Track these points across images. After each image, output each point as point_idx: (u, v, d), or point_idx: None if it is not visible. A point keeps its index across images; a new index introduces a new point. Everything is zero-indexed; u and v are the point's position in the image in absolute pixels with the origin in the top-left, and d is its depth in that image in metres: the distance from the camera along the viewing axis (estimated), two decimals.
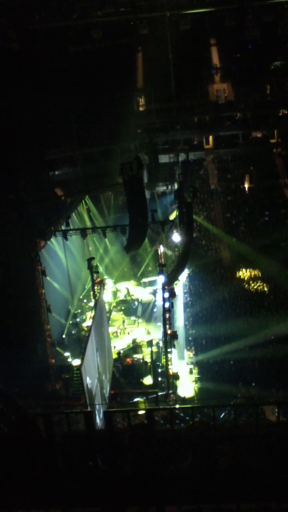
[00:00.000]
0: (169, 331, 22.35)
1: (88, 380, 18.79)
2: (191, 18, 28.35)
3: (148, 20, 28.02)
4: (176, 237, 23.09)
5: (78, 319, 29.99)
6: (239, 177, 39.68)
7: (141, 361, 25.70)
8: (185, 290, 31.98)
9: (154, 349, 25.91)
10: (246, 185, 39.27)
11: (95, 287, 25.71)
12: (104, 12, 26.65)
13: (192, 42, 35.04)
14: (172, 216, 27.95)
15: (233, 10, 26.75)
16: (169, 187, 38.95)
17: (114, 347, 26.98)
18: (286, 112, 39.99)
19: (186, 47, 34.96)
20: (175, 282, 25.62)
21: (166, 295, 21.91)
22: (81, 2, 26.06)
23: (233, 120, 40.77)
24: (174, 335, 22.50)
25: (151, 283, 33.90)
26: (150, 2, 26.85)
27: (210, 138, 41.07)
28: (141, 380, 24.34)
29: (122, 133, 36.29)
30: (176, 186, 36.96)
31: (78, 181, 36.40)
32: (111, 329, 28.26)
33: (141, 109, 40.25)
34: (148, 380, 24.16)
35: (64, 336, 28.12)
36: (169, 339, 22.40)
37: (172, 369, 22.87)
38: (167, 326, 22.33)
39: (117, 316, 31.19)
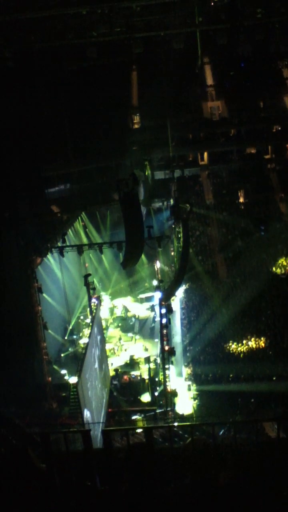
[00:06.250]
0: (166, 348, 22.20)
1: (85, 398, 18.60)
2: (184, 37, 28.74)
3: (142, 39, 28.40)
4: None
5: (74, 336, 29.76)
6: (235, 192, 39.92)
7: (139, 378, 25.46)
8: (182, 306, 31.87)
9: (152, 365, 25.70)
10: (241, 200, 39.51)
11: (92, 304, 25.61)
12: (99, 32, 27.01)
13: (186, 60, 35.57)
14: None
15: (225, 29, 27.15)
16: (165, 203, 39.11)
17: (111, 364, 26.76)
18: (280, 128, 40.44)
19: (180, 65, 35.49)
20: (172, 298, 25.58)
21: (163, 311, 21.82)
22: (76, 22, 26.44)
23: (227, 137, 41.16)
24: (172, 352, 22.36)
25: (148, 299, 33.77)
26: (145, 22, 27.26)
27: (205, 154, 41.42)
28: (138, 397, 24.09)
29: (117, 150, 36.54)
30: (172, 202, 37.14)
31: (74, 197, 36.52)
32: (108, 346, 28.06)
33: (136, 126, 40.62)
34: (146, 398, 23.90)
35: (62, 355, 27.87)
36: (167, 355, 22.24)
37: (170, 386, 22.66)
38: (165, 342, 22.19)
39: (114, 332, 30.99)
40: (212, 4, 26.51)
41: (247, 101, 40.08)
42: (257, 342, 26.54)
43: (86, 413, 18.53)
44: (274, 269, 33.36)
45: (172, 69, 35.51)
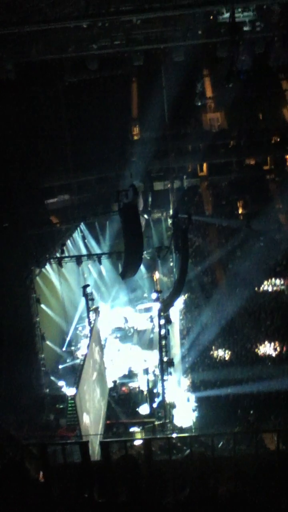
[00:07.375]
0: (165, 359, 22.09)
1: (82, 410, 18.47)
2: (184, 50, 29.00)
3: (142, 52, 28.65)
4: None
5: (73, 347, 29.63)
6: (234, 203, 40.08)
7: (137, 389, 25.31)
8: (181, 317, 31.77)
9: (151, 377, 25.55)
10: (240, 211, 39.67)
11: (90, 315, 25.54)
12: (99, 45, 27.24)
13: (185, 72, 35.86)
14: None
15: (225, 42, 27.40)
16: (164, 213, 39.24)
17: (109, 375, 26.60)
18: (279, 139, 40.73)
19: (180, 77, 35.76)
20: (171, 309, 25.50)
21: (162, 321, 21.75)
22: (77, 35, 26.67)
23: (227, 148, 41.41)
24: (171, 363, 22.24)
25: (147, 310, 33.68)
26: (145, 35, 27.51)
27: (204, 165, 41.64)
28: (137, 409, 23.92)
29: (117, 161, 36.74)
30: (171, 212, 37.24)
31: (73, 208, 36.61)
32: (106, 357, 27.91)
33: (135, 137, 40.87)
34: (144, 409, 23.73)
35: (60, 366, 27.72)
36: (166, 366, 22.12)
37: (169, 398, 22.51)
38: (163, 353, 22.08)
39: (112, 343, 30.85)
40: (212, 18, 26.77)
41: (247, 113, 40.40)
42: (256, 352, 26.48)
43: (85, 419, 18.41)
44: (273, 280, 33.36)
45: (171, 81, 35.81)
